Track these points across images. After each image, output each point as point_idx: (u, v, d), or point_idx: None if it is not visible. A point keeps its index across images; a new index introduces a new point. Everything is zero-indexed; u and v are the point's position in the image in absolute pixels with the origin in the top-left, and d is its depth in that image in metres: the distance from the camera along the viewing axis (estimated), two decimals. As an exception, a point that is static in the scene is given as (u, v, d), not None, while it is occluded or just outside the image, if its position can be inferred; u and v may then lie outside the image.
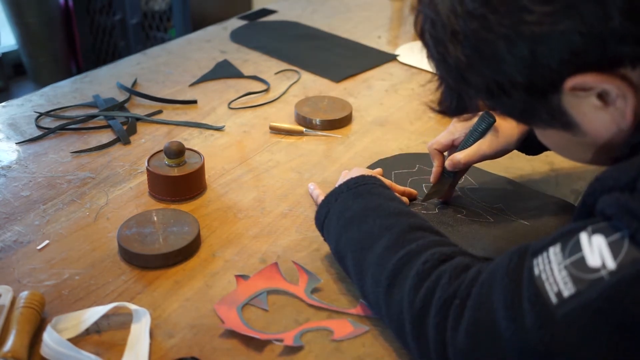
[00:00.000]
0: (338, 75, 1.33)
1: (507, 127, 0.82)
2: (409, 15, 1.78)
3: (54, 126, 1.07)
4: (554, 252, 0.50)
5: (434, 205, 0.88)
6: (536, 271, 0.51)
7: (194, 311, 0.70)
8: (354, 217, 0.70)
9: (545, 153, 1.04)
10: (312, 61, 1.39)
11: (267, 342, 0.65)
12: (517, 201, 0.90)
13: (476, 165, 0.97)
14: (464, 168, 0.86)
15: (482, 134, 0.82)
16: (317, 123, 1.10)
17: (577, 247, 0.49)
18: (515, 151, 1.04)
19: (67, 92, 1.21)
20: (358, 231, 0.69)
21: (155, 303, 0.71)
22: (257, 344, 0.65)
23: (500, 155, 0.84)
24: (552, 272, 0.49)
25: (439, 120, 1.15)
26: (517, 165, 1.00)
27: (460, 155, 0.83)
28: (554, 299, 0.48)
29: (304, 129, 1.06)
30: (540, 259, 0.51)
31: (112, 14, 2.86)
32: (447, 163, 0.85)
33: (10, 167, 0.96)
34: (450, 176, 0.87)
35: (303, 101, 1.16)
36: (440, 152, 0.87)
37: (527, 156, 1.02)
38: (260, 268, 0.76)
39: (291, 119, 1.14)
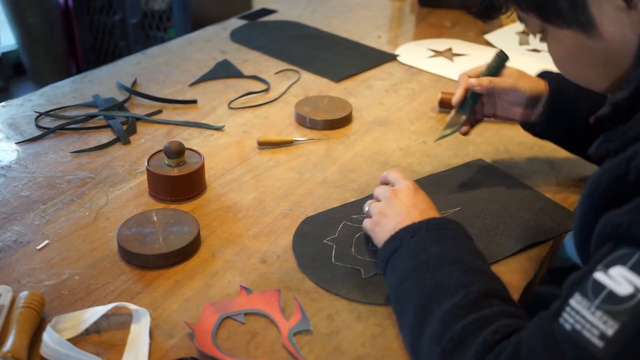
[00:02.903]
0: (338, 75, 1.33)
1: (533, 81, 0.90)
2: (409, 15, 1.78)
3: (54, 126, 1.07)
4: (577, 301, 0.49)
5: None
6: (567, 327, 0.48)
7: (194, 311, 0.70)
8: (429, 262, 0.65)
9: (545, 153, 1.04)
10: (312, 61, 1.39)
11: (268, 345, 0.65)
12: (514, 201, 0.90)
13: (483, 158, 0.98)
14: (479, 98, 0.91)
15: (496, 69, 0.91)
16: (318, 123, 1.10)
17: (599, 286, 0.48)
18: (515, 151, 1.04)
19: (67, 92, 1.21)
20: (431, 279, 0.63)
21: (155, 303, 0.71)
22: (257, 344, 0.65)
23: (514, 96, 0.90)
24: (585, 319, 0.47)
25: (439, 120, 1.15)
26: (517, 165, 1.00)
27: (487, 78, 0.89)
28: (598, 343, 0.46)
29: (293, 139, 1.05)
30: (565, 315, 0.49)
31: (112, 14, 2.86)
32: (474, 82, 0.90)
33: (10, 167, 0.96)
34: (467, 111, 0.91)
35: (303, 101, 1.16)
36: (469, 76, 0.92)
37: (527, 156, 1.03)
38: (260, 268, 0.76)
39: (291, 118, 1.14)
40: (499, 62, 0.91)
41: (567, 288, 0.51)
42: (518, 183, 0.95)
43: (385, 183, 0.82)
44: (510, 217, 0.86)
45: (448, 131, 0.91)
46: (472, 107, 0.92)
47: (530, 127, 0.94)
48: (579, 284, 0.50)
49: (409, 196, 0.75)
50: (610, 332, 0.46)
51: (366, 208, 0.80)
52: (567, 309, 0.49)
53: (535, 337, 0.51)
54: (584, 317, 0.48)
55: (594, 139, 0.64)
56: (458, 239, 0.68)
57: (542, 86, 0.91)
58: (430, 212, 0.73)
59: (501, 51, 0.91)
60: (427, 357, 0.59)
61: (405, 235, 0.69)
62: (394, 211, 0.74)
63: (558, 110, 0.89)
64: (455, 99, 0.91)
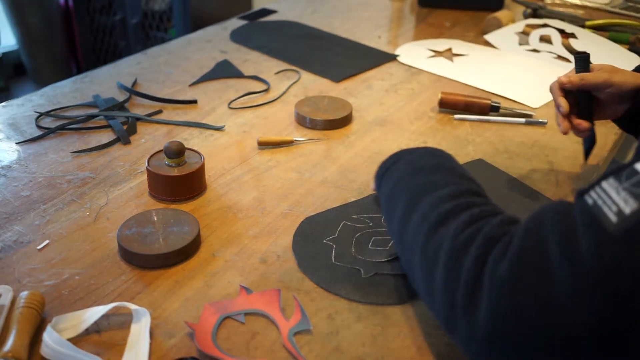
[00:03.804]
0: (338, 75, 1.33)
1: (629, 75, 0.86)
2: (409, 15, 1.78)
3: (54, 126, 1.07)
4: (608, 183, 0.49)
5: None
6: (589, 201, 0.49)
7: (194, 311, 0.70)
8: (424, 168, 0.70)
9: (545, 153, 1.04)
10: (312, 61, 1.39)
11: (268, 345, 0.65)
12: (514, 201, 0.90)
13: (483, 158, 0.98)
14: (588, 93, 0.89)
15: (583, 69, 0.88)
16: (318, 123, 1.10)
17: (634, 173, 0.48)
18: (515, 151, 1.04)
19: (67, 92, 1.21)
20: (424, 179, 0.68)
21: (155, 303, 0.71)
22: (257, 344, 0.65)
23: (610, 92, 0.86)
24: (609, 196, 0.48)
25: (439, 119, 1.15)
26: (517, 165, 1.00)
27: (577, 75, 0.88)
28: (613, 217, 0.46)
29: (293, 139, 1.05)
30: (592, 192, 0.50)
31: (112, 14, 2.86)
32: (564, 79, 0.88)
33: (10, 167, 0.96)
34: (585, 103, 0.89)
35: (303, 101, 1.16)
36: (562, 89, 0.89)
37: (527, 156, 1.03)
38: (260, 268, 0.76)
39: (291, 118, 1.14)
40: (581, 63, 0.88)
41: (610, 170, 0.51)
42: (518, 183, 0.95)
43: None
44: None
45: (586, 144, 0.92)
46: (585, 109, 0.89)
47: (620, 120, 0.93)
48: (616, 171, 0.50)
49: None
50: (628, 210, 0.46)
51: None
52: (597, 188, 0.50)
53: (545, 212, 0.52)
54: (609, 195, 0.48)
55: None
56: (454, 161, 0.73)
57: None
58: None
59: (578, 53, 0.89)
60: (413, 237, 0.62)
61: (404, 152, 0.75)
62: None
63: None
64: (563, 109, 0.88)
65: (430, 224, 0.60)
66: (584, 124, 0.88)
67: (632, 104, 0.88)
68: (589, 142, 0.93)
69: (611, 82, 0.86)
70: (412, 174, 0.70)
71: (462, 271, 0.54)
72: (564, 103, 0.88)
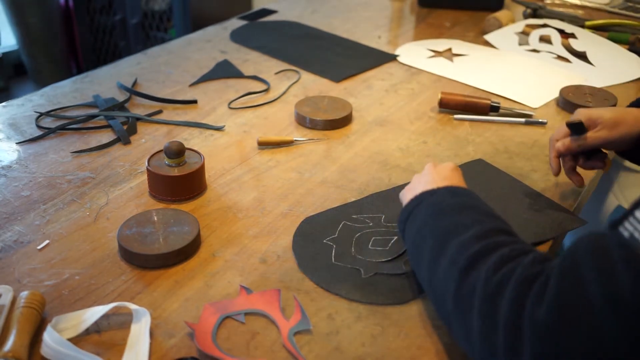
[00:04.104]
0: (338, 75, 1.33)
1: (630, 123, 0.83)
2: (409, 15, 1.78)
3: (54, 126, 1.07)
4: None
5: None
6: (626, 234, 0.47)
7: (194, 311, 0.70)
8: (447, 209, 0.68)
9: (545, 153, 1.04)
10: (312, 61, 1.39)
11: (268, 345, 0.65)
12: (513, 200, 0.90)
13: (483, 159, 0.98)
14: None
15: (578, 133, 0.85)
16: (318, 123, 1.10)
17: None
18: (515, 151, 1.04)
19: (67, 92, 1.21)
20: (449, 221, 0.66)
21: (155, 303, 0.71)
22: (257, 344, 0.65)
23: (619, 141, 0.84)
24: None
25: (439, 119, 1.15)
26: (517, 165, 1.00)
27: (575, 142, 0.85)
28: None
29: (293, 139, 1.06)
30: (626, 224, 0.48)
31: (112, 14, 2.86)
32: (560, 146, 0.87)
33: (10, 167, 0.96)
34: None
35: (303, 101, 1.16)
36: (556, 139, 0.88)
37: (527, 156, 1.03)
38: (260, 268, 0.77)
39: (291, 118, 1.14)
40: (575, 130, 0.85)
41: (636, 201, 0.49)
42: (518, 183, 0.95)
43: None
44: (510, 217, 0.86)
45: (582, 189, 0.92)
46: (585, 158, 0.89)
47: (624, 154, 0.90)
48: None
49: (445, 170, 0.77)
50: None
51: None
52: (630, 218, 0.48)
53: (580, 249, 0.50)
54: None
55: None
56: (477, 198, 0.71)
57: None
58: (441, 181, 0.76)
59: (570, 122, 0.85)
60: (444, 283, 0.60)
61: (425, 195, 0.73)
62: (426, 179, 0.77)
63: None
64: (554, 172, 0.90)
65: (460, 268, 0.59)
66: (578, 179, 0.90)
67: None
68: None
69: (611, 140, 0.84)
70: (435, 216, 0.68)
71: (499, 316, 0.52)
72: (555, 166, 0.89)
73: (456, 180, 0.76)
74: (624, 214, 0.49)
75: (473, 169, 0.98)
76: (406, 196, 0.77)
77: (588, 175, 0.98)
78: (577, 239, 0.52)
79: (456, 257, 0.61)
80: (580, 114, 0.86)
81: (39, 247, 0.79)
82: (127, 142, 1.04)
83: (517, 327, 0.51)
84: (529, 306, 0.50)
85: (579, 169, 0.90)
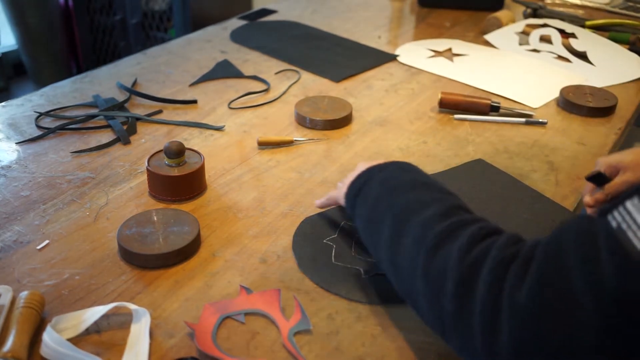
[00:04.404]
0: (338, 75, 1.33)
1: None
2: (409, 15, 1.78)
3: (54, 126, 1.07)
4: (633, 204, 0.47)
5: None
6: (614, 224, 0.47)
7: (194, 311, 0.70)
8: (401, 186, 0.68)
9: (545, 153, 1.04)
10: (312, 61, 1.39)
11: (268, 345, 0.65)
12: (514, 200, 0.90)
13: (482, 158, 0.98)
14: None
15: (600, 183, 0.82)
16: (318, 123, 1.10)
17: None
18: (515, 151, 1.04)
19: (67, 92, 1.21)
20: (405, 198, 0.66)
21: (155, 303, 0.71)
22: (257, 344, 0.65)
23: None
24: (634, 219, 0.46)
25: (439, 119, 1.15)
26: (517, 165, 1.00)
27: (601, 194, 0.82)
28: (638, 243, 0.44)
29: (293, 139, 1.06)
30: (615, 213, 0.47)
31: (112, 14, 2.86)
32: (589, 200, 0.83)
33: (10, 167, 0.96)
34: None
35: (303, 101, 1.16)
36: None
37: (527, 156, 1.03)
38: (260, 268, 0.76)
39: (291, 118, 1.14)
40: (598, 181, 0.83)
41: (627, 192, 0.49)
42: (518, 183, 0.95)
43: None
44: (510, 217, 0.86)
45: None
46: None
47: None
48: None
49: (371, 161, 0.78)
50: None
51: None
52: (620, 208, 0.47)
53: (565, 234, 0.50)
54: (634, 218, 0.46)
55: None
56: (426, 174, 0.72)
57: None
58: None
59: (588, 176, 0.83)
60: (410, 262, 0.60)
61: (373, 171, 0.72)
62: (360, 167, 0.77)
63: None
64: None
65: (428, 247, 0.58)
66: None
67: None
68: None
69: (634, 183, 0.80)
70: (390, 192, 0.68)
71: (475, 298, 0.52)
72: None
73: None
74: (615, 203, 0.49)
75: (473, 169, 0.98)
76: (341, 189, 0.78)
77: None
78: (564, 223, 0.52)
79: (422, 235, 0.60)
80: (600, 165, 0.84)
81: (38, 247, 0.79)
82: (127, 142, 1.04)
83: (495, 310, 0.51)
84: (508, 289, 0.50)
85: None
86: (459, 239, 0.57)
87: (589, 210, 0.85)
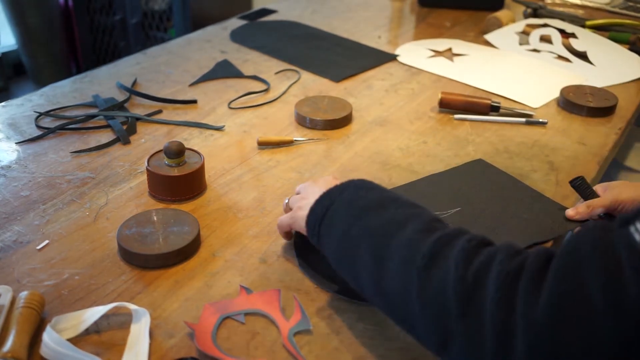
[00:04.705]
0: (338, 75, 1.33)
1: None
2: (409, 15, 1.78)
3: (54, 126, 1.07)
4: None
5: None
6: (637, 237, 0.45)
7: (194, 311, 0.70)
8: (370, 206, 0.64)
9: (545, 153, 1.04)
10: (312, 61, 1.39)
11: (268, 345, 0.65)
12: (514, 199, 0.90)
13: (483, 159, 0.98)
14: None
15: (585, 194, 0.86)
16: (318, 123, 1.10)
17: None
18: (515, 151, 1.04)
19: (67, 92, 1.21)
20: (378, 218, 0.62)
21: (155, 303, 0.71)
22: (257, 344, 0.65)
23: (622, 208, 0.83)
24: None
25: (439, 120, 1.15)
26: (517, 165, 1.00)
27: (584, 205, 0.85)
28: None
29: (293, 139, 1.05)
30: (638, 224, 0.45)
31: (112, 14, 2.86)
32: (571, 212, 0.86)
33: (10, 167, 0.96)
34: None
35: (303, 101, 1.16)
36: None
37: (528, 156, 1.03)
38: (260, 268, 0.76)
39: (291, 118, 1.14)
40: (580, 188, 0.87)
41: None
42: (518, 183, 0.95)
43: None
44: (510, 217, 0.86)
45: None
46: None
47: None
48: None
49: (328, 179, 0.76)
50: None
51: (285, 201, 0.81)
52: None
53: (582, 246, 0.48)
54: None
55: None
56: (387, 189, 0.69)
57: None
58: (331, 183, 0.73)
59: (571, 181, 0.87)
60: (401, 286, 0.57)
61: (333, 194, 0.68)
62: (315, 189, 0.73)
63: None
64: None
65: (419, 268, 0.55)
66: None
67: None
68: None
69: (620, 200, 0.84)
70: (359, 215, 0.64)
71: (485, 317, 0.50)
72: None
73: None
74: (636, 212, 0.47)
75: (473, 169, 0.98)
76: (298, 214, 0.73)
77: (588, 175, 0.98)
78: (581, 232, 0.50)
79: (409, 256, 0.57)
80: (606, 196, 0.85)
81: (38, 247, 0.79)
82: (126, 142, 1.04)
83: (508, 327, 0.49)
84: (521, 305, 0.48)
85: None
86: (451, 255, 0.54)
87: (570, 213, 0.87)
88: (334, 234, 0.66)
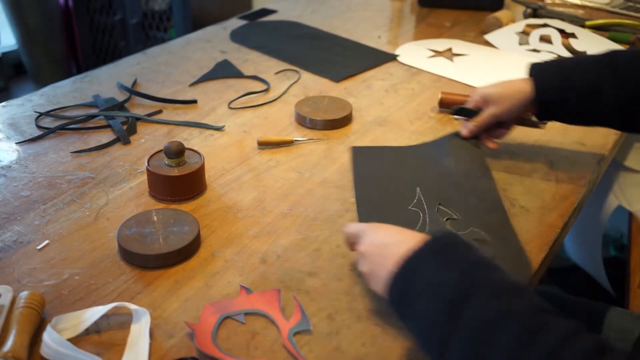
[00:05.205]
0: (338, 75, 1.33)
1: (515, 97, 0.94)
2: (409, 15, 1.78)
3: (54, 126, 1.07)
4: None
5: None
6: None
7: (194, 311, 0.70)
8: (453, 300, 0.54)
9: (545, 153, 1.04)
10: (312, 61, 1.39)
11: (268, 345, 0.65)
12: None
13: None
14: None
15: (470, 115, 0.99)
16: (318, 123, 1.10)
17: None
18: (515, 151, 1.04)
19: (67, 92, 1.21)
20: (469, 315, 0.52)
21: (155, 303, 0.71)
22: (257, 344, 0.65)
23: (507, 114, 0.96)
24: None
25: (439, 119, 1.15)
26: (517, 165, 1.00)
27: (472, 124, 0.99)
28: None
29: (293, 139, 1.05)
30: None
31: (112, 14, 2.86)
32: (465, 132, 1.00)
33: (10, 167, 0.96)
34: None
35: (303, 101, 1.16)
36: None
37: (528, 156, 1.03)
38: (260, 268, 0.76)
39: (291, 118, 1.14)
40: (464, 114, 0.99)
41: None
42: (483, 164, 0.98)
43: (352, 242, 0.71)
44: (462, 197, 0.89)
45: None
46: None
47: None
48: None
49: (393, 234, 0.65)
50: None
51: (344, 230, 0.71)
52: None
53: None
54: None
55: None
56: (466, 254, 0.58)
57: (527, 92, 0.93)
58: (411, 237, 0.63)
59: (453, 112, 1.01)
60: None
61: (410, 268, 0.58)
62: (385, 257, 0.62)
63: (552, 104, 0.92)
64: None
65: None
66: (492, 145, 1.00)
67: (536, 111, 0.94)
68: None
69: (499, 115, 0.96)
70: (443, 311, 0.54)
71: None
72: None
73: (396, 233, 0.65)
74: None
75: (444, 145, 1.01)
76: (375, 268, 0.63)
77: (587, 175, 0.99)
78: None
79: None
80: (474, 95, 0.99)
81: (38, 247, 0.79)
82: (127, 142, 1.04)
83: None
84: None
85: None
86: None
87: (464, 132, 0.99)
88: (415, 322, 0.58)
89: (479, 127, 0.98)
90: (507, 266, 0.69)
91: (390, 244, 0.63)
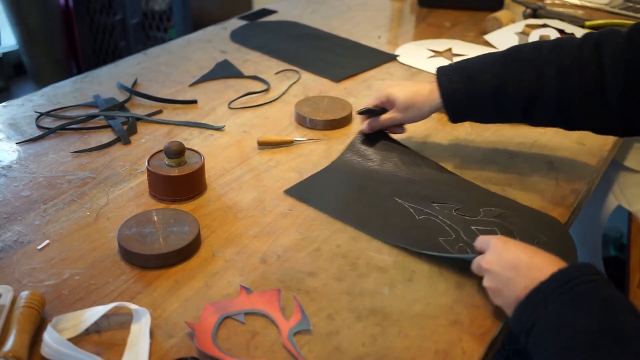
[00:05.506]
0: (338, 75, 1.33)
1: (420, 100, 0.94)
2: (409, 15, 1.78)
3: (55, 126, 1.07)
4: None
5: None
6: None
7: (194, 311, 0.70)
8: (580, 342, 0.55)
9: (544, 153, 1.04)
10: (312, 61, 1.39)
11: (268, 345, 0.66)
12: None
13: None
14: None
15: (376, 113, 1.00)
16: (318, 123, 1.10)
17: None
18: (515, 151, 1.04)
19: (67, 92, 1.21)
20: None
21: (155, 303, 0.71)
22: (257, 344, 0.65)
23: (410, 121, 0.97)
24: None
25: (439, 120, 1.15)
26: (517, 165, 1.00)
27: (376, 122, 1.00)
28: None
29: (293, 139, 1.06)
30: None
31: (112, 14, 2.86)
32: (366, 127, 1.02)
33: (10, 167, 0.96)
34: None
35: (303, 101, 1.16)
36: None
37: (528, 156, 1.03)
38: (260, 268, 0.77)
39: (291, 118, 1.14)
40: (371, 114, 1.00)
41: None
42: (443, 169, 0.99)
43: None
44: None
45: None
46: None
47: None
48: None
49: (519, 253, 0.66)
50: None
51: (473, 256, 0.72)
52: None
53: None
54: None
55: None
56: (600, 295, 0.58)
57: (434, 100, 0.93)
58: (541, 262, 0.63)
59: (360, 112, 1.02)
60: None
61: (537, 304, 0.59)
62: (514, 279, 0.64)
63: (460, 108, 0.92)
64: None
65: None
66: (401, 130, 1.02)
67: (448, 115, 0.94)
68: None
69: (403, 120, 0.97)
70: (567, 354, 0.55)
71: None
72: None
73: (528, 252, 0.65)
74: None
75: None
76: (502, 289, 0.65)
77: (587, 175, 0.99)
78: None
79: None
80: (378, 94, 0.99)
81: (39, 247, 0.79)
82: (127, 142, 1.04)
83: None
84: None
85: None
86: None
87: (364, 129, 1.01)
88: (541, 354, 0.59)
89: (381, 126, 1.00)
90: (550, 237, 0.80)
91: (520, 267, 0.64)
